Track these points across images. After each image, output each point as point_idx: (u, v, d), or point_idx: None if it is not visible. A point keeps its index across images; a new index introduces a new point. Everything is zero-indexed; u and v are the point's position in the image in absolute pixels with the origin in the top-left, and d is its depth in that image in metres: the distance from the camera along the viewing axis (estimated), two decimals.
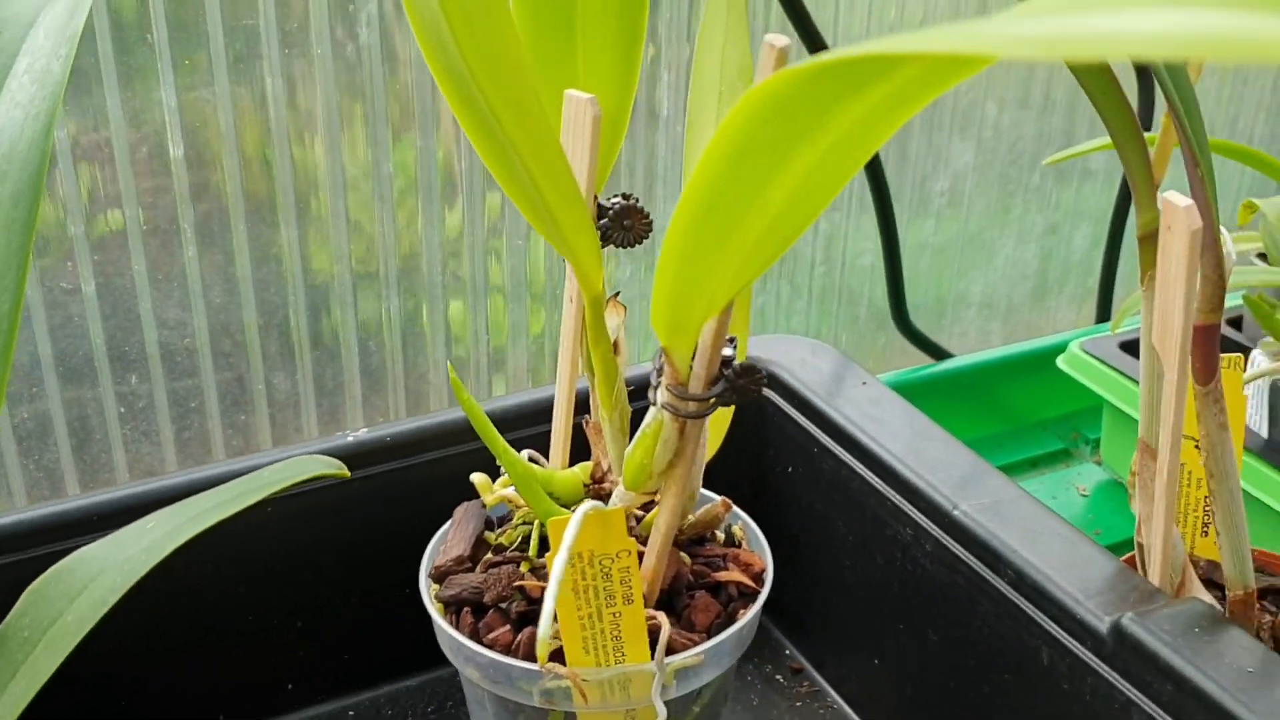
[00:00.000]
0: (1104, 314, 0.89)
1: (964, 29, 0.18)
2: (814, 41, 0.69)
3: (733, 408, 0.52)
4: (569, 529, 0.38)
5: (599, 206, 0.45)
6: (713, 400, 0.38)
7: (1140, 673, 0.43)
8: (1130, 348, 0.77)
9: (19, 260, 0.37)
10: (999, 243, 0.88)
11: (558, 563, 0.38)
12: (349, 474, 0.38)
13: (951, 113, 0.81)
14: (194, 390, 0.63)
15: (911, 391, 0.79)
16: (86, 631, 0.35)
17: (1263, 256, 0.74)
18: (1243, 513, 0.44)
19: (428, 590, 0.47)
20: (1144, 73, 0.83)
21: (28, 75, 0.40)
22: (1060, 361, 0.76)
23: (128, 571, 0.35)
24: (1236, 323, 0.77)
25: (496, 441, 0.45)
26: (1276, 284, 0.64)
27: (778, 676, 0.61)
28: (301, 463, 0.37)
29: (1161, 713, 0.42)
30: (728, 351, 0.39)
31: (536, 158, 0.36)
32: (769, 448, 0.62)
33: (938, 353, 0.83)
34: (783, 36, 0.32)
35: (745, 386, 0.38)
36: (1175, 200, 0.38)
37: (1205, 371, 0.43)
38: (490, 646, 0.44)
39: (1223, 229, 0.41)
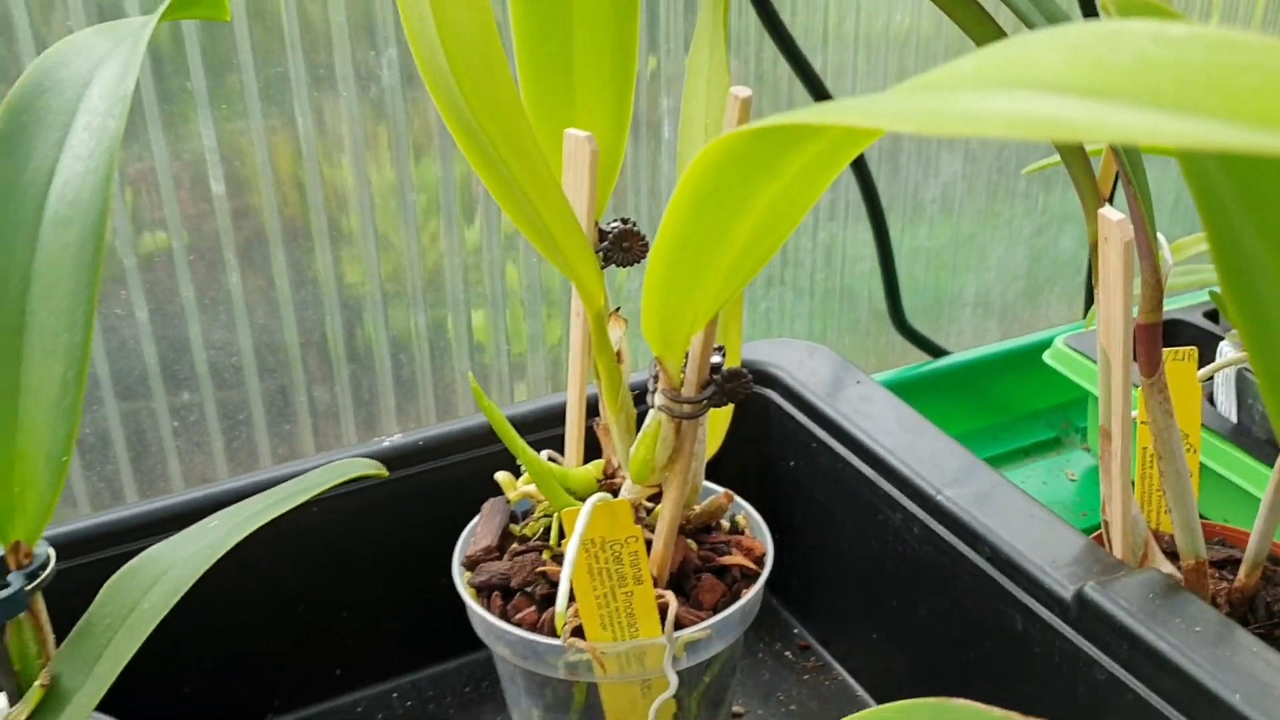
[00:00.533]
0: (1091, 310, 0.93)
1: (862, 105, 0.23)
2: (799, 65, 0.73)
3: (731, 410, 0.57)
4: (580, 518, 0.42)
5: (600, 231, 0.50)
6: (704, 402, 0.43)
7: (1101, 635, 0.47)
8: None
9: (87, 296, 0.42)
10: (990, 245, 0.91)
11: (571, 547, 0.42)
12: (388, 474, 0.43)
13: None
14: (241, 403, 0.68)
15: (910, 388, 0.84)
16: (160, 618, 0.39)
17: None
18: (1189, 489, 0.48)
19: (460, 577, 0.52)
20: None
21: (86, 132, 0.44)
22: (1047, 356, 0.80)
23: (194, 565, 0.40)
24: (1214, 315, 0.81)
25: (517, 443, 0.50)
26: None
27: (787, 653, 0.65)
28: (346, 465, 0.41)
29: (1120, 669, 0.46)
30: (716, 359, 0.43)
31: (539, 194, 0.40)
32: (772, 444, 0.67)
33: (935, 350, 0.88)
34: (746, 88, 0.36)
35: (733, 389, 0.43)
36: (1109, 215, 0.42)
37: (1149, 365, 0.46)
38: (518, 625, 0.48)
39: (1161, 237, 0.45)
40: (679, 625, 0.48)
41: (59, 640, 0.42)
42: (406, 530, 0.60)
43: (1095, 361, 0.78)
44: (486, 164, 0.42)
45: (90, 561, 0.55)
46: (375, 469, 0.42)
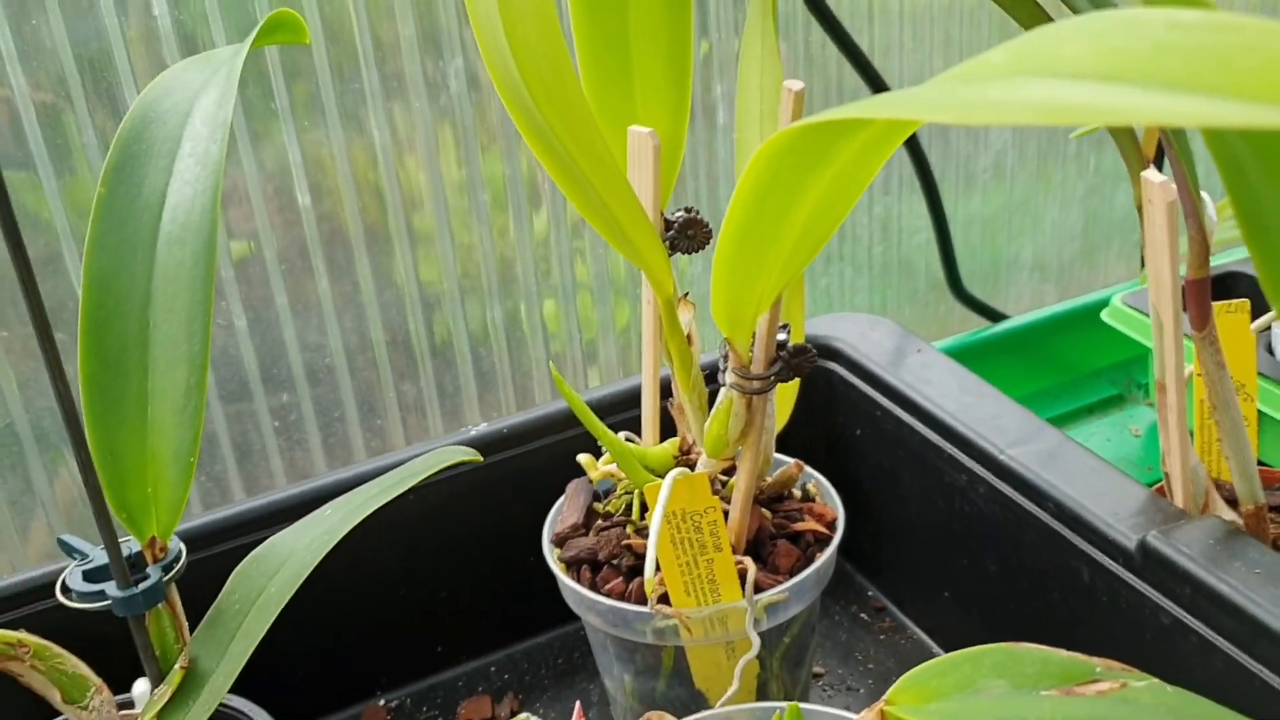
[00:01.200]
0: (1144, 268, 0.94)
1: (904, 98, 0.25)
2: (848, 48, 0.75)
3: (797, 385, 0.59)
4: (662, 491, 0.45)
5: (665, 221, 0.52)
6: (772, 378, 0.45)
7: (1165, 581, 0.49)
8: None
9: (204, 308, 0.45)
10: (1044, 209, 0.92)
11: (656, 518, 0.45)
12: (482, 459, 0.46)
13: None
14: (335, 401, 0.71)
15: (971, 354, 0.85)
16: (287, 600, 0.43)
17: None
18: (1245, 437, 0.49)
19: (551, 554, 0.55)
20: None
21: (192, 158, 0.47)
22: (1105, 315, 0.81)
23: (315, 550, 0.43)
24: None
25: (597, 426, 0.52)
26: None
27: (862, 615, 0.67)
28: (443, 453, 0.44)
29: (1184, 613, 0.48)
30: (781, 336, 0.45)
31: (608, 190, 0.43)
32: (838, 414, 0.69)
33: (993, 315, 0.89)
34: (799, 81, 0.38)
35: (799, 364, 0.45)
36: (1152, 177, 0.43)
37: (1199, 319, 0.48)
38: (607, 595, 0.51)
39: (1205, 195, 0.47)
40: (758, 589, 0.50)
41: (192, 627, 0.46)
42: (496, 514, 0.64)
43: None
44: (557, 164, 0.45)
45: (207, 556, 0.58)
46: (470, 455, 0.45)
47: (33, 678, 0.45)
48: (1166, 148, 0.44)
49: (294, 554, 0.43)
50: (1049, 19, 0.48)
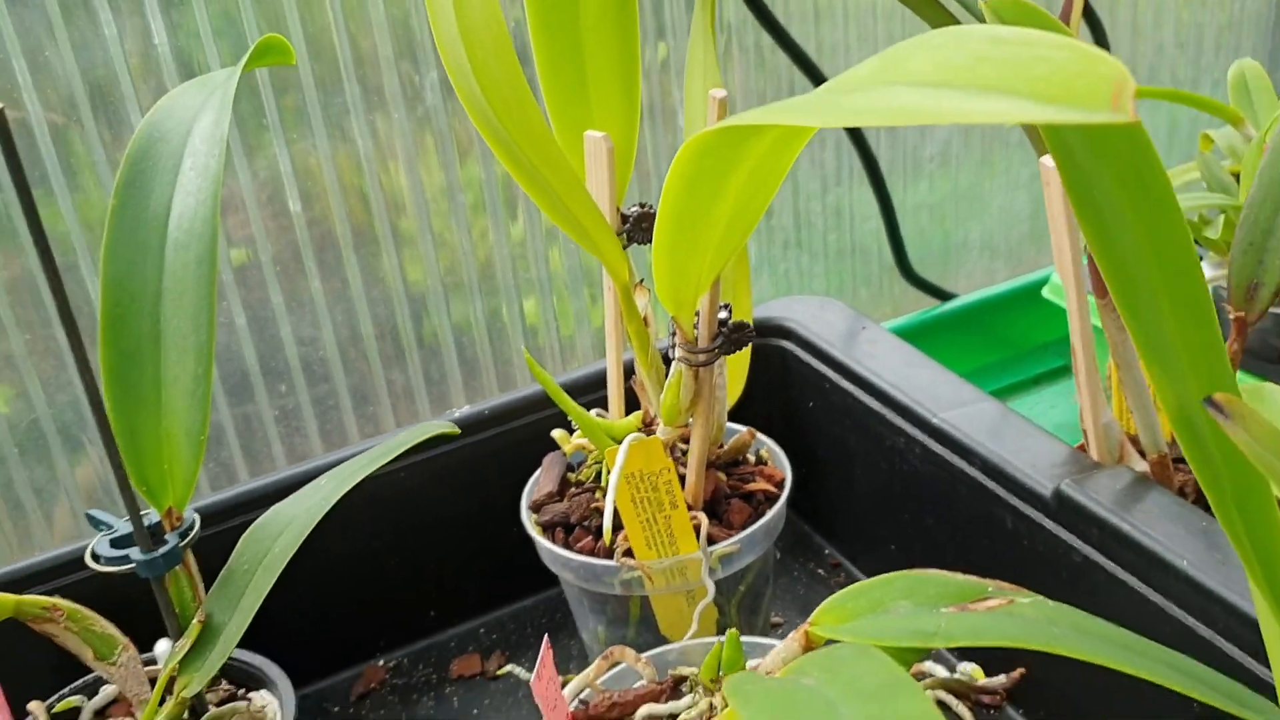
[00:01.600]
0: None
1: (785, 107, 0.30)
2: (791, 50, 0.80)
3: (748, 362, 0.64)
4: (619, 454, 0.50)
5: (621, 215, 0.57)
6: (715, 351, 0.50)
7: (1076, 524, 0.54)
8: None
9: (208, 303, 0.50)
10: (990, 194, 0.98)
11: (613, 478, 0.50)
12: (459, 431, 0.51)
13: None
14: (330, 392, 0.76)
15: (922, 332, 0.91)
16: (289, 557, 0.48)
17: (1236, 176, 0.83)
18: (1146, 393, 0.55)
19: (529, 519, 0.60)
20: (1094, 22, 0.93)
21: (193, 171, 0.52)
22: (1045, 291, 0.86)
23: (312, 514, 0.48)
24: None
25: (567, 402, 0.57)
26: (1204, 206, 0.74)
27: (819, 571, 0.72)
28: (424, 427, 0.50)
29: (1093, 551, 0.53)
30: (723, 315, 0.50)
31: (567, 192, 0.48)
32: (792, 389, 0.74)
33: (942, 295, 0.94)
34: (722, 90, 0.44)
35: (738, 338, 0.50)
36: (1047, 162, 0.49)
37: (1100, 288, 0.53)
38: (579, 553, 0.56)
39: None
40: (712, 542, 0.55)
41: (206, 589, 0.51)
42: (479, 488, 0.69)
43: (1088, 292, 0.85)
44: (521, 171, 0.50)
45: (217, 532, 0.63)
46: (448, 428, 0.50)
47: (67, 638, 0.50)
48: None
49: (295, 518, 0.48)
50: (951, 18, 0.53)
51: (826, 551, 0.74)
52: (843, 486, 0.72)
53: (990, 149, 0.96)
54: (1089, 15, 0.92)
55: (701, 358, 0.50)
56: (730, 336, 0.50)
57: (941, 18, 0.52)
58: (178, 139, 0.53)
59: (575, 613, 0.62)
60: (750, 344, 0.51)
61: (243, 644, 0.48)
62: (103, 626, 0.51)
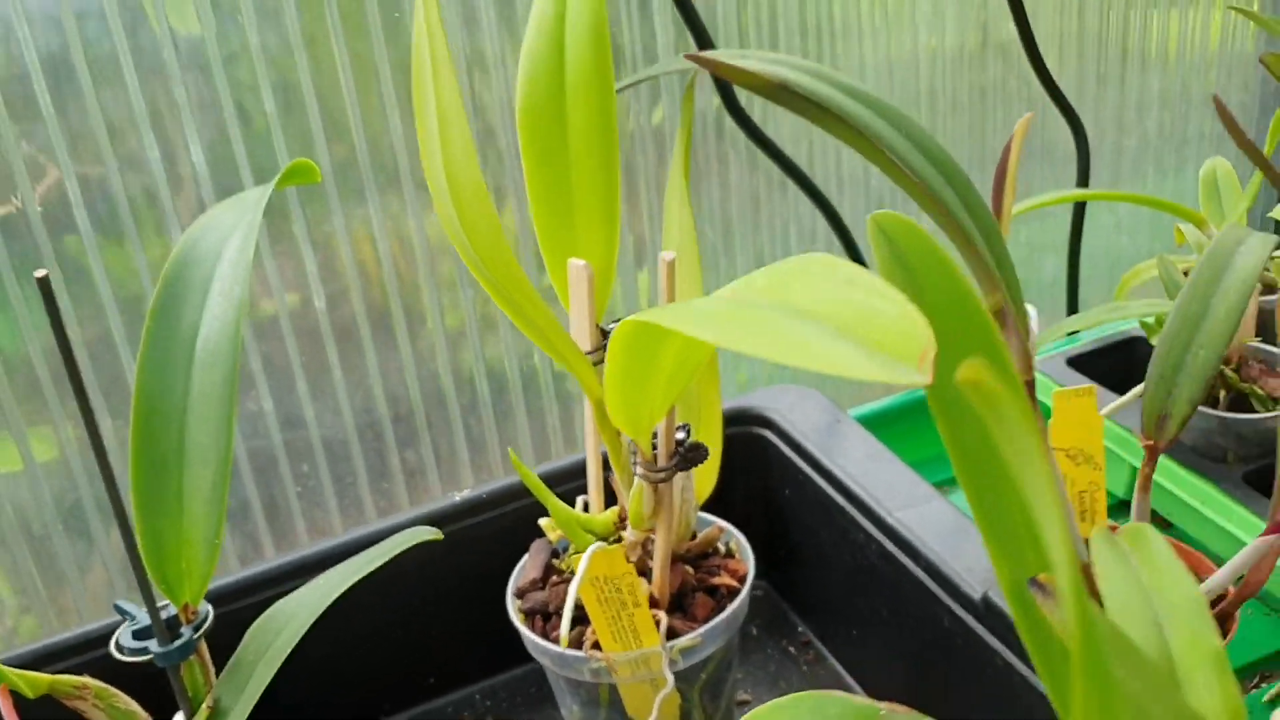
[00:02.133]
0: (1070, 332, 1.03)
1: (680, 313, 0.35)
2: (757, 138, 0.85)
3: (718, 461, 0.69)
4: (580, 564, 0.55)
5: (601, 330, 0.62)
6: (672, 469, 0.55)
7: (1000, 629, 0.58)
8: (1076, 363, 0.91)
9: (228, 420, 0.55)
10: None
11: (572, 586, 0.55)
12: (442, 536, 0.56)
13: None
14: (348, 469, 0.82)
15: (888, 419, 0.95)
16: (289, 651, 0.53)
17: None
18: (1066, 502, 0.59)
19: (512, 605, 0.65)
20: (1075, 122, 0.97)
21: (220, 296, 0.58)
22: None
23: (310, 612, 0.54)
24: None
25: (546, 496, 0.63)
26: (1151, 313, 0.78)
27: (790, 648, 0.77)
28: (408, 535, 0.55)
29: (1013, 656, 0.57)
30: (680, 435, 0.55)
31: (544, 321, 0.53)
32: (771, 477, 0.79)
33: None
34: (670, 253, 0.49)
35: (693, 458, 0.55)
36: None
37: None
38: (554, 642, 0.62)
39: (1029, 308, 0.56)
40: (676, 635, 0.60)
41: (218, 672, 0.56)
42: (481, 565, 0.74)
43: (1057, 383, 0.89)
44: (503, 301, 0.55)
45: (241, 607, 0.69)
46: (433, 535, 0.56)
47: (94, 714, 0.56)
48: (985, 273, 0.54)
49: (295, 616, 0.54)
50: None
51: (800, 629, 0.78)
52: (815, 570, 0.76)
53: None
54: (1067, 113, 0.96)
55: (659, 475, 0.55)
56: (686, 455, 0.55)
57: (903, 181, 0.56)
58: (209, 262, 0.59)
59: (554, 690, 0.67)
60: (702, 463, 0.56)
61: (255, 712, 0.54)
62: (125, 703, 0.57)
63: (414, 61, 0.51)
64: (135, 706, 0.57)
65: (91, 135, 0.68)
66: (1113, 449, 0.84)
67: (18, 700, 0.56)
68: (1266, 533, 0.57)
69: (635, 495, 0.57)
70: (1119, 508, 0.91)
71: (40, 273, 0.45)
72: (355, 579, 0.54)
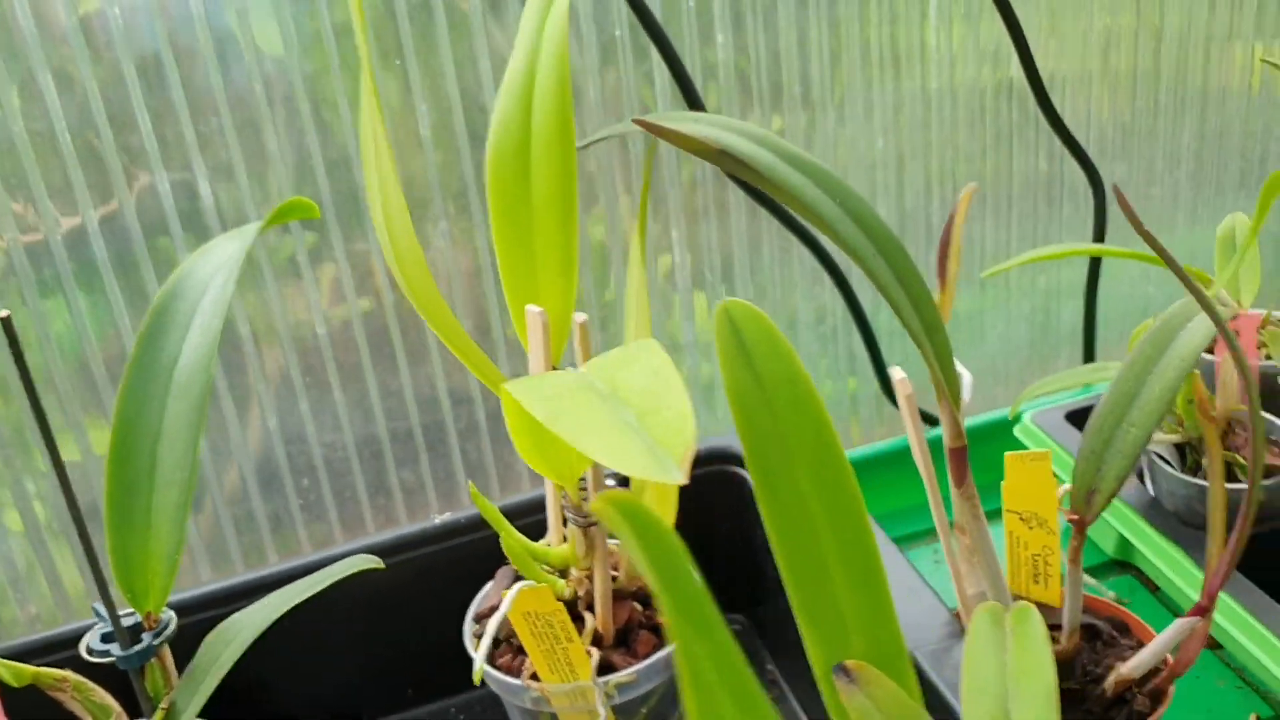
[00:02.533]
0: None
1: (528, 390, 0.38)
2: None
3: (676, 496, 0.71)
4: (504, 602, 0.58)
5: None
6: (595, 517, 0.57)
7: (925, 694, 0.59)
8: (1073, 418, 0.90)
9: (193, 446, 0.59)
10: (989, 325, 1.02)
11: (492, 622, 0.58)
12: (384, 566, 0.60)
13: (925, 226, 0.96)
14: (349, 485, 0.86)
15: (864, 467, 0.94)
16: (234, 661, 0.57)
17: None
18: (997, 569, 0.59)
19: (469, 629, 0.68)
20: (1097, 186, 0.96)
21: (198, 330, 0.61)
22: (1017, 431, 0.90)
23: (255, 628, 0.57)
24: None
25: (502, 525, 0.65)
26: None
27: None
28: (345, 564, 0.58)
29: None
30: (610, 482, 0.58)
31: (487, 370, 0.56)
32: (747, 515, 0.80)
33: (930, 420, 0.98)
34: (583, 314, 0.51)
35: None
36: (895, 374, 0.54)
37: (957, 478, 0.58)
38: (500, 670, 0.64)
39: (962, 370, 0.57)
40: (616, 670, 0.62)
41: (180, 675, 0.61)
42: (456, 585, 0.76)
43: (1053, 439, 0.89)
44: (443, 335, 0.59)
45: (204, 617, 0.73)
46: (373, 564, 0.59)
47: (72, 705, 0.61)
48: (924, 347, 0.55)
49: (242, 630, 0.58)
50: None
51: (769, 667, 0.80)
52: (782, 609, 0.77)
53: (981, 285, 1.00)
54: (1084, 164, 0.96)
55: (583, 521, 0.57)
56: None
57: (839, 244, 0.58)
58: (194, 296, 0.62)
59: (509, 713, 0.70)
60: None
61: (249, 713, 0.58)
62: (101, 697, 0.61)
63: (361, 143, 0.54)
64: (110, 700, 0.61)
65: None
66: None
67: (5, 689, 0.61)
68: (1190, 614, 0.57)
69: (570, 539, 0.59)
70: (1109, 566, 0.90)
71: (2, 313, 0.49)
72: (298, 600, 0.58)
